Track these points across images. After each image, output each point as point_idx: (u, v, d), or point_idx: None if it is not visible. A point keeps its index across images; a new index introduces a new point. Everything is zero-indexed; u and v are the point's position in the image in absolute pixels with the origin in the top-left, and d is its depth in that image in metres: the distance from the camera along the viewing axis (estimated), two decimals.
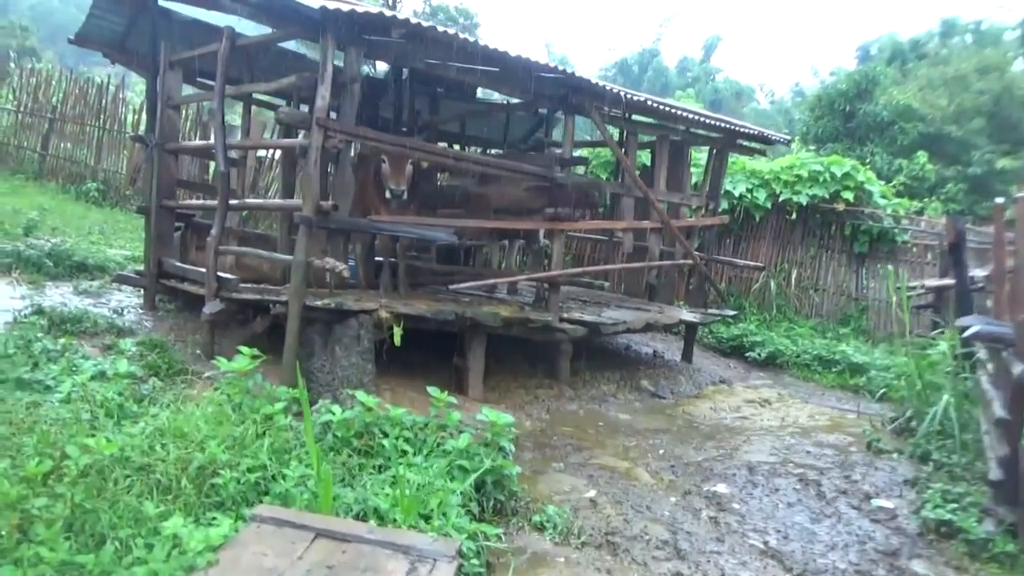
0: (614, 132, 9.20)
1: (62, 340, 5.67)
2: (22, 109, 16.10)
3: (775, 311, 12.74)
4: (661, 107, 7.86)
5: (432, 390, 4.81)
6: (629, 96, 7.36)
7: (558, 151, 11.80)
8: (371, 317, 6.05)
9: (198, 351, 6.81)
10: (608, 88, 7.21)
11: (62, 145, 16.05)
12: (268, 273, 8.40)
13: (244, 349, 4.83)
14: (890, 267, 10.99)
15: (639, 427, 6.90)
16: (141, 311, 7.85)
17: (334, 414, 4.38)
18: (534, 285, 8.91)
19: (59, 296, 7.88)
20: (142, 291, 8.23)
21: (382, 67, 13.62)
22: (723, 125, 9.05)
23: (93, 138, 15.85)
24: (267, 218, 13.44)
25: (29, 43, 43.77)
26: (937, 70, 29.27)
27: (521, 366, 8.22)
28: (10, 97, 16.44)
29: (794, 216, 13.27)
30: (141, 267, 9.88)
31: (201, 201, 8.18)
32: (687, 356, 9.99)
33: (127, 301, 8.23)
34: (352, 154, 6.69)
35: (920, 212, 14.58)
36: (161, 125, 7.72)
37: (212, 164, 14.57)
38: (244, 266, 8.43)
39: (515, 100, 11.71)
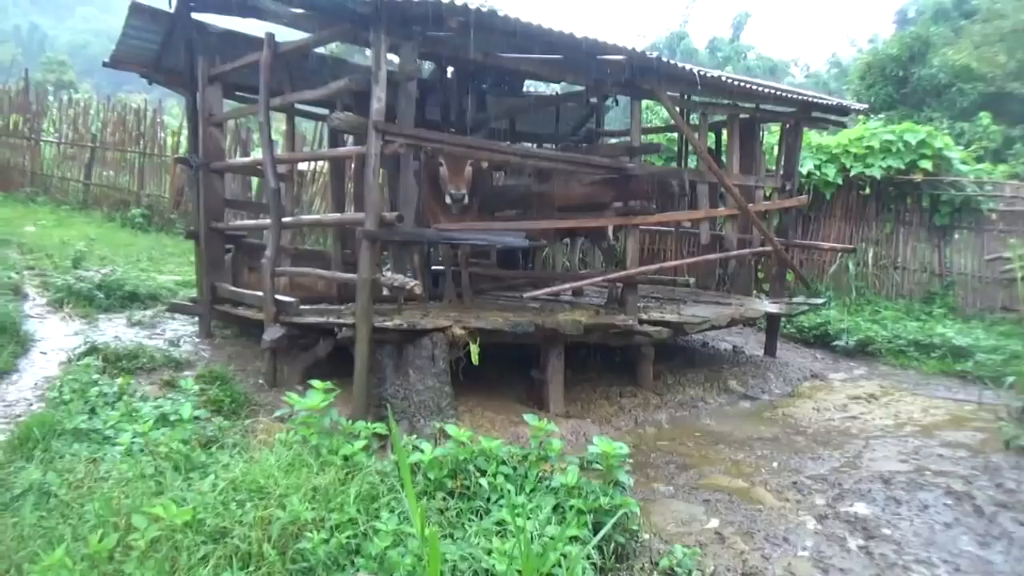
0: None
1: (119, 380, 5.28)
2: (63, 140, 16.04)
3: (854, 294, 11.91)
4: (737, 84, 7.19)
5: (529, 417, 4.26)
6: (703, 74, 6.72)
7: (613, 140, 11.29)
8: (445, 335, 5.54)
9: (260, 380, 6.40)
10: (682, 67, 6.58)
11: (104, 173, 15.96)
12: (323, 291, 7.99)
13: (317, 383, 4.35)
14: (1013, 240, 10.08)
15: (741, 436, 6.28)
16: (197, 340, 7.49)
17: (423, 452, 3.86)
18: (604, 285, 8.33)
19: (113, 329, 7.55)
20: (197, 319, 7.87)
21: (425, 66, 13.20)
22: (798, 98, 8.34)
23: (134, 164, 15.71)
24: (311, 233, 13.10)
25: (67, 77, 44.67)
26: (993, 25, 27.70)
27: (598, 374, 7.65)
28: (51, 129, 16.40)
29: (867, 191, 12.42)
30: (194, 293, 9.63)
31: (253, 221, 7.78)
32: (770, 350, 9.30)
33: (182, 330, 7.88)
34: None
35: (1017, 176, 13.53)
36: (204, 144, 7.34)
37: (256, 181, 14.32)
38: (299, 285, 8.01)
39: (565, 91, 11.22)
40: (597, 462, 3.98)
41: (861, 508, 4.52)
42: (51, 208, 15.01)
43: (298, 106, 7.79)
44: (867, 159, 12.32)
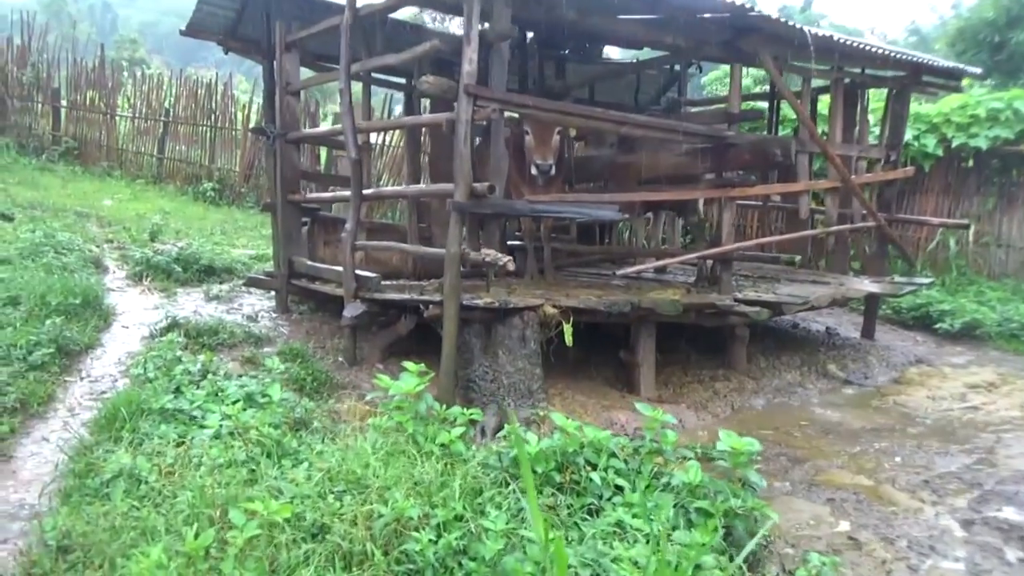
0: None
1: (202, 358, 5.12)
2: (137, 115, 16.21)
3: (954, 273, 11.12)
4: (850, 44, 6.59)
5: (641, 407, 3.91)
6: (813, 34, 6.15)
7: (695, 109, 10.71)
8: (536, 314, 5.21)
9: (340, 358, 6.19)
10: (791, 25, 6.03)
11: (177, 147, 16.09)
12: (399, 266, 7.75)
13: (410, 365, 4.07)
14: None
15: (852, 426, 5.80)
16: (274, 315, 7.34)
17: (529, 444, 3.54)
18: (693, 262, 7.86)
19: (191, 304, 7.47)
20: (274, 293, 7.73)
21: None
22: (909, 60, 7.66)
23: (206, 138, 15.78)
24: (380, 206, 12.90)
25: (138, 54, 45.68)
26: None
27: (687, 355, 7.22)
28: (125, 104, 16.59)
29: (970, 163, 11.53)
30: (269, 267, 9.53)
31: (331, 193, 7.56)
32: (868, 332, 8.70)
33: (259, 305, 7.76)
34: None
35: None
36: (281, 113, 7.13)
37: (324, 153, 14.21)
38: (373, 259, 7.79)
39: (645, 57, 10.67)
40: (720, 458, 3.59)
41: (1011, 513, 4.04)
42: (126, 182, 15.21)
43: (374, 75, 7.53)
44: (971, 128, 11.40)
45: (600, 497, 3.47)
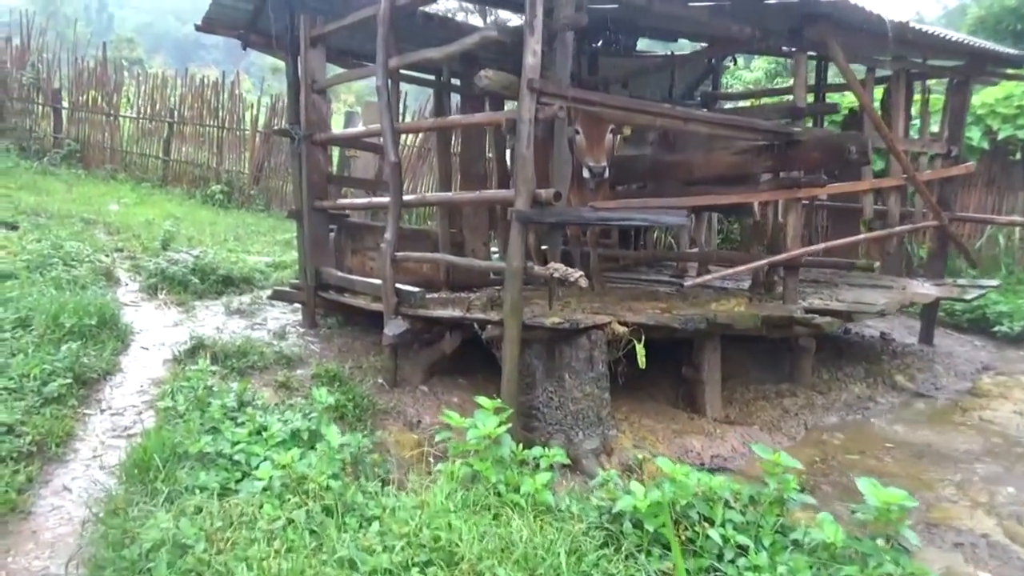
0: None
1: (235, 386, 4.61)
2: (141, 116, 15.68)
3: (1003, 271, 10.61)
4: (924, 32, 6.09)
5: (758, 448, 3.39)
6: (891, 20, 5.64)
7: (727, 104, 10.21)
8: (604, 333, 4.71)
9: (380, 379, 5.68)
10: (866, 11, 5.52)
11: (183, 148, 15.56)
12: (429, 275, 7.24)
13: (484, 401, 3.57)
14: None
15: (942, 448, 5.31)
16: (302, 330, 6.83)
17: (635, 496, 3.03)
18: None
19: (211, 319, 6.96)
20: (298, 306, 7.22)
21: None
22: (975, 47, 7.15)
23: (213, 139, 15.25)
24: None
25: (135, 54, 45.09)
26: None
27: (746, 369, 6.73)
28: (127, 105, 16.05)
29: (1018, 156, 11.03)
30: (288, 276, 9.02)
31: (365, 199, 7.04)
32: (926, 338, 8.22)
33: (283, 319, 7.25)
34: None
35: None
36: (306, 113, 6.61)
37: (336, 155, 13.68)
38: (403, 268, 7.31)
39: (681, 51, 10.17)
40: (862, 512, 3.08)
41: None
42: (131, 185, 14.67)
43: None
44: (1017, 120, 10.91)
45: (719, 558, 2.97)
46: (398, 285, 5.58)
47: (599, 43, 8.80)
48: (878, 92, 8.79)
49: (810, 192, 6.04)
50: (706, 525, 3.04)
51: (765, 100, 10.63)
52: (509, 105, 6.54)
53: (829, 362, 7.12)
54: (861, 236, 6.92)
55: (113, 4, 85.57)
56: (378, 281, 5.89)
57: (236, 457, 3.60)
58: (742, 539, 3.01)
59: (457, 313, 5.09)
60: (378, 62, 5.44)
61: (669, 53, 9.92)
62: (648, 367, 6.09)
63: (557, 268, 4.25)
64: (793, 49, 6.54)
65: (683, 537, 3.03)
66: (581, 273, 4.21)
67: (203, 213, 13.38)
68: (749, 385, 6.42)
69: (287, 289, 7.15)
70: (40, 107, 15.50)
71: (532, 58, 4.28)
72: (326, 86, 6.69)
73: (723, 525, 3.06)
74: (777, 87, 11.36)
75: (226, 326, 6.67)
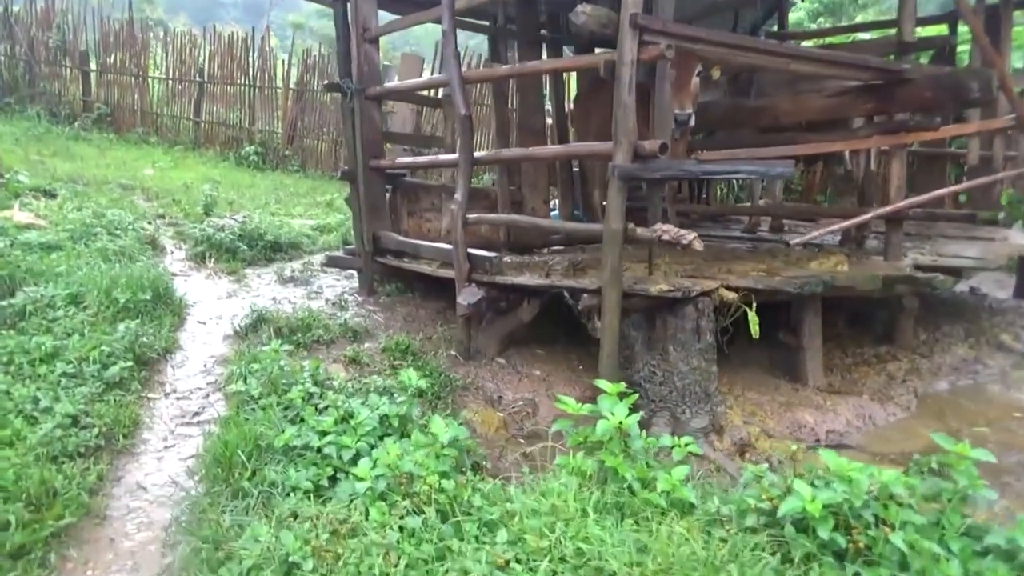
0: None
1: (307, 364, 4.23)
2: (171, 77, 15.21)
3: None
4: None
5: (939, 438, 2.91)
6: None
7: (797, 43, 9.49)
8: (711, 300, 4.24)
9: (453, 351, 5.29)
10: None
11: (214, 109, 15.11)
12: (488, 235, 6.80)
13: (607, 384, 3.13)
14: None
15: None
16: (360, 299, 6.43)
17: (803, 499, 2.60)
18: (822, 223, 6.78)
19: (265, 288, 6.60)
20: (354, 273, 6.82)
21: None
22: None
23: (244, 98, 14.77)
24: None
25: (157, 14, 44.39)
26: None
27: (839, 332, 6.23)
28: (155, 66, 15.58)
29: None
30: (334, 240, 8.64)
31: (426, 157, 6.57)
32: (1021, 291, 7.62)
33: (338, 286, 6.86)
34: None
35: None
36: (358, 65, 6.11)
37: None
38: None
39: None
40: None
41: None
42: (164, 148, 14.31)
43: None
44: None
45: (903, 567, 2.54)
46: (471, 250, 5.14)
47: None
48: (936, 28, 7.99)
49: (919, 136, 5.45)
50: (885, 529, 2.61)
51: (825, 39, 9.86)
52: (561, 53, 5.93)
53: (924, 321, 6.59)
54: (975, 182, 6.27)
55: None
56: (447, 246, 5.46)
57: (326, 450, 3.23)
58: (928, 544, 2.58)
59: (543, 280, 4.65)
60: (444, 4, 4.91)
61: None
62: (736, 332, 5.66)
63: (667, 230, 3.77)
64: None
65: (857, 544, 2.60)
66: (695, 235, 3.73)
67: (239, 175, 13.00)
68: (846, 349, 5.93)
69: (342, 255, 6.75)
70: (68, 70, 15.10)
71: None
72: (379, 34, 6.16)
73: (902, 527, 2.63)
74: (857, 23, 10.56)
75: (282, 296, 6.30)
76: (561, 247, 7.22)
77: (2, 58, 14.74)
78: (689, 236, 3.70)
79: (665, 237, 3.77)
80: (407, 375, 3.85)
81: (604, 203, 7.43)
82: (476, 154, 5.16)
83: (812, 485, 2.73)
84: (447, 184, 7.29)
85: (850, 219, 5.61)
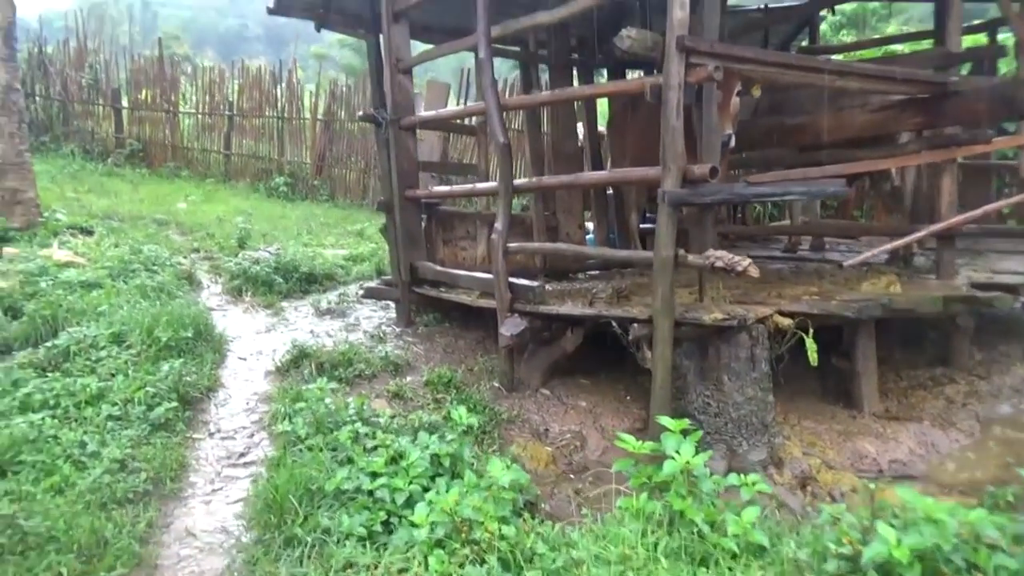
0: None
1: (352, 401, 4.16)
2: (201, 111, 15.43)
3: None
4: None
5: None
6: None
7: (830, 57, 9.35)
8: (766, 326, 4.10)
9: (495, 383, 5.19)
10: None
11: (244, 141, 15.28)
12: (523, 262, 6.72)
13: (668, 421, 3.01)
14: None
15: None
16: (399, 330, 6.37)
17: (888, 544, 2.44)
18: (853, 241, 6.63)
19: (303, 321, 6.57)
20: (392, 304, 6.77)
21: None
22: None
23: (273, 130, 14.93)
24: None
25: (182, 51, 45.43)
26: None
27: (891, 353, 6.03)
28: (184, 100, 15.82)
29: None
30: (367, 269, 8.61)
31: (467, 186, 6.52)
32: None
33: (375, 317, 6.81)
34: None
35: None
36: (392, 95, 6.09)
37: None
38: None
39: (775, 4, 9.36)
40: None
41: None
42: (195, 182, 14.47)
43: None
44: None
45: None
46: (512, 279, 5.06)
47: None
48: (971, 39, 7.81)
49: (972, 150, 5.29)
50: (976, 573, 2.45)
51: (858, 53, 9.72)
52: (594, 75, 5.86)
53: (979, 340, 6.35)
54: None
55: (155, 2, 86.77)
56: (486, 275, 5.40)
57: (378, 494, 3.14)
58: None
59: (589, 310, 4.54)
60: (479, 32, 4.88)
61: (763, 7, 9.16)
62: (787, 355, 5.48)
63: (720, 256, 3.65)
64: None
65: None
66: (750, 261, 3.61)
67: (270, 206, 13.08)
68: (899, 371, 5.73)
69: (380, 287, 6.71)
70: (101, 108, 15.38)
71: (680, 11, 3.67)
72: (412, 64, 6.15)
73: (996, 574, 2.46)
74: (891, 36, 10.39)
75: (320, 329, 6.26)
76: (597, 271, 7.14)
77: (37, 98, 15.04)
78: (744, 262, 3.58)
79: (719, 264, 3.65)
80: (457, 413, 3.76)
81: (641, 226, 7.43)
82: (516, 182, 5.09)
83: (892, 526, 2.59)
84: (482, 212, 7.22)
85: (902, 237, 5.45)
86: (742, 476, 2.95)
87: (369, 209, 13.64)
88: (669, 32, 3.69)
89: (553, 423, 4.80)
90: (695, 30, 4.07)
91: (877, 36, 11.35)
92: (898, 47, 10.36)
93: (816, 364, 4.14)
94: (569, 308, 4.69)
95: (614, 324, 4.30)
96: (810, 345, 4.01)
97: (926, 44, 10.92)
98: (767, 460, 4.04)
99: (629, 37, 3.79)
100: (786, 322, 4.08)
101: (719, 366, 4.08)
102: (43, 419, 3.73)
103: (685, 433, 2.96)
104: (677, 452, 2.81)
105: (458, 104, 13.64)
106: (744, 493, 2.89)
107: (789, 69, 4.28)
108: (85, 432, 3.73)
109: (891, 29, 13.24)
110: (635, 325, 4.11)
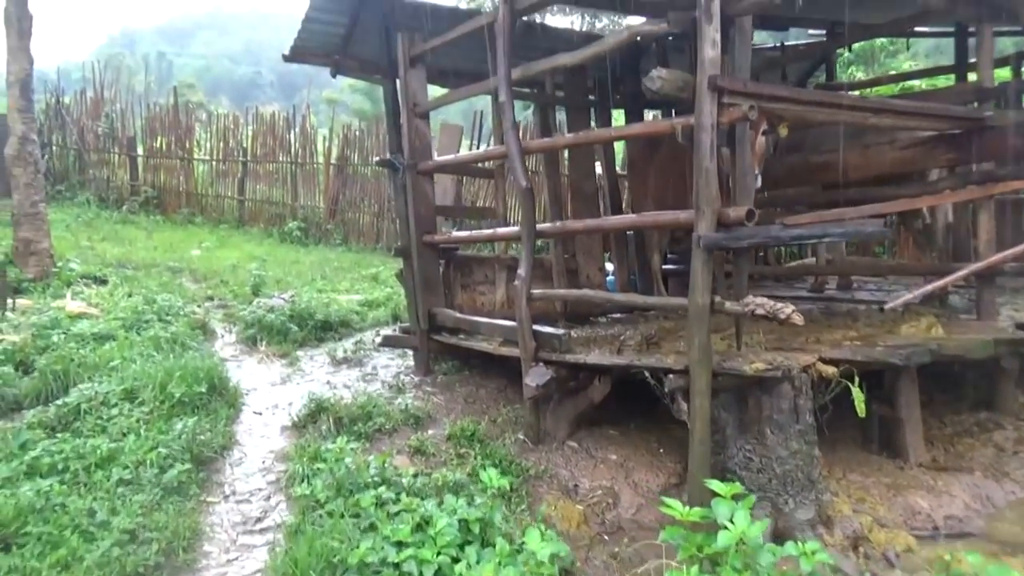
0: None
1: (372, 460, 3.96)
2: (215, 158, 15.50)
3: None
4: None
5: None
6: None
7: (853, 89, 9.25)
8: (809, 375, 3.89)
9: (520, 435, 4.97)
10: None
11: (257, 187, 15.31)
12: (543, 308, 6.53)
13: (718, 486, 2.80)
14: None
15: None
16: (416, 379, 6.19)
17: None
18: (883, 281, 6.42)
19: (319, 371, 6.41)
20: (409, 351, 6.59)
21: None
22: None
23: (287, 175, 14.96)
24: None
25: (196, 99, 46.19)
26: None
27: (931, 397, 5.77)
28: (198, 147, 15.92)
29: None
30: (383, 315, 8.47)
31: (489, 230, 6.39)
32: None
33: (393, 365, 6.64)
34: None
35: None
36: (409, 140, 6.00)
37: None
38: (513, 302, 6.67)
39: (790, 41, 9.31)
40: None
41: None
42: (209, 228, 14.48)
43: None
44: None
45: None
46: (536, 327, 4.88)
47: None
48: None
49: (1011, 186, 5.11)
50: None
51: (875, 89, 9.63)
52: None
53: (1022, 382, 6.10)
54: None
55: (173, 51, 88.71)
56: (508, 323, 5.22)
57: (405, 567, 2.92)
58: None
59: (620, 360, 4.34)
60: (499, 76, 4.78)
61: (780, 44, 9.10)
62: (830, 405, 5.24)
63: (761, 303, 3.46)
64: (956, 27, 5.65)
65: None
66: (793, 308, 3.41)
67: (283, 251, 13.02)
68: (942, 417, 5.47)
69: (398, 335, 6.54)
70: (116, 156, 15.48)
71: (711, 50, 3.55)
72: (430, 108, 6.07)
73: None
74: (909, 71, 10.27)
75: (337, 380, 6.08)
76: (620, 314, 6.94)
77: (54, 148, 15.17)
78: (787, 310, 3.39)
79: (760, 311, 3.46)
80: (487, 475, 3.54)
81: (664, 267, 7.25)
82: (540, 226, 4.94)
83: None
84: (500, 256, 7.07)
85: (938, 276, 5.24)
86: (800, 544, 2.71)
87: (383, 253, 13.57)
88: (700, 71, 3.57)
89: (583, 478, 4.56)
90: (724, 69, 3.95)
91: (893, 72, 11.25)
92: (915, 83, 10.25)
93: (847, 408, 3.93)
94: (597, 357, 4.49)
95: (647, 375, 4.09)
96: (857, 396, 3.79)
97: (942, 79, 10.87)
98: (815, 519, 3.79)
99: (660, 78, 3.66)
100: (830, 370, 3.87)
101: (760, 418, 3.86)
102: (51, 486, 3.54)
103: (737, 498, 2.74)
104: (730, 520, 2.59)
105: (471, 146, 13.64)
106: (804, 564, 2.65)
107: (823, 107, 4.13)
108: (94, 499, 3.55)
109: (906, 65, 13.16)
110: (670, 376, 3.90)
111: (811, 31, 9.40)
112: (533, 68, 4.88)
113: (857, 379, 3.87)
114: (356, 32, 6.37)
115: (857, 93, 9.52)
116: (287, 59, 6.54)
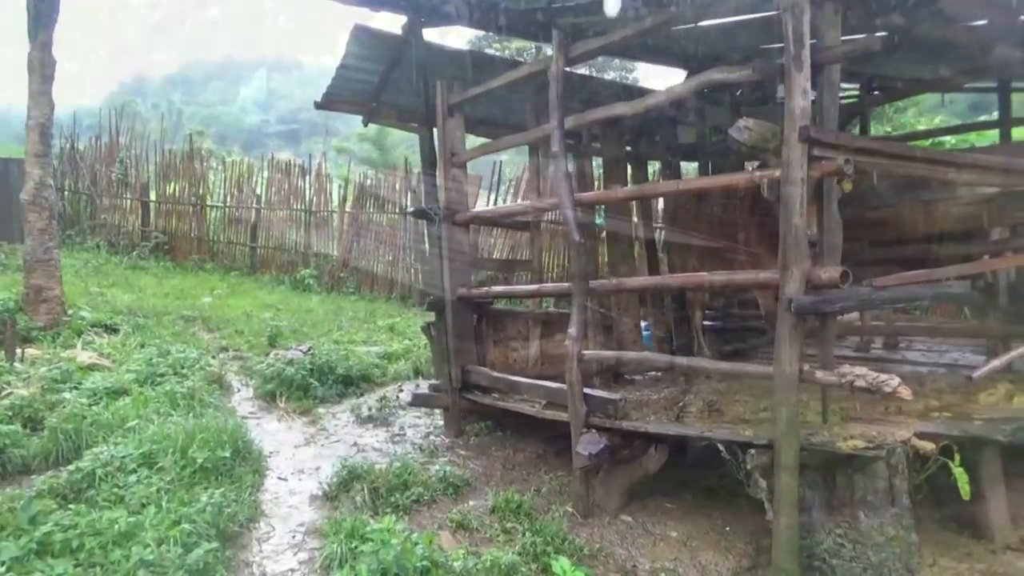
0: None
1: (417, 539, 3.57)
2: (228, 204, 15.32)
3: None
4: None
5: None
6: None
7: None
8: (904, 451, 3.53)
9: (568, 507, 4.57)
10: None
11: (270, 234, 15.09)
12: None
13: None
14: None
15: None
16: (447, 440, 5.83)
17: None
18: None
19: (343, 430, 6.05)
20: (441, 412, 6.22)
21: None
22: None
23: (300, 222, 14.75)
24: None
25: (207, 145, 46.48)
26: None
27: (1006, 470, 5.38)
28: (210, 193, 15.75)
29: None
30: (403, 368, 8.12)
31: (534, 286, 6.08)
32: None
33: (421, 424, 6.28)
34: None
35: None
36: (446, 190, 5.75)
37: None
38: (549, 358, 6.36)
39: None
40: None
41: None
42: (220, 275, 14.22)
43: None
44: None
45: None
46: (587, 390, 4.53)
47: (739, 92, 7.85)
48: None
49: None
50: None
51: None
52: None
53: None
54: None
55: (183, 100, 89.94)
56: (553, 384, 4.88)
57: None
58: None
59: (688, 430, 3.99)
60: (553, 125, 4.54)
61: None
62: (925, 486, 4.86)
63: (861, 375, 3.13)
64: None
65: None
66: (900, 380, 3.08)
67: (297, 299, 12.71)
68: (1009, 483, 5.07)
69: (427, 393, 6.17)
70: (128, 201, 15.31)
71: (802, 100, 3.29)
72: (469, 158, 5.83)
73: None
74: (953, 125, 10.09)
75: (364, 441, 5.72)
76: (658, 372, 6.60)
77: (66, 192, 15.00)
78: (893, 382, 3.05)
79: (860, 383, 3.12)
80: (560, 567, 3.15)
81: (704, 323, 6.93)
82: (595, 283, 4.64)
83: None
84: (534, 311, 6.76)
85: (1003, 338, 4.92)
86: None
87: (397, 302, 13.28)
88: (788, 122, 3.31)
89: (641, 558, 4.15)
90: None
91: (929, 127, 11.11)
92: (948, 139, 10.06)
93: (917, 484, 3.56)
94: (658, 426, 4.15)
95: (721, 448, 3.73)
96: (961, 476, 3.43)
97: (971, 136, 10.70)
98: None
99: (747, 128, 3.40)
100: (929, 447, 3.51)
101: (852, 500, 3.49)
102: (64, 570, 3.15)
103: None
104: None
105: (488, 196, 13.46)
106: None
107: (913, 162, 3.86)
108: None
109: (937, 120, 13.04)
110: (752, 451, 3.54)
111: (844, 84, 9.27)
112: (585, 118, 4.65)
113: (957, 457, 3.51)
114: (391, 79, 6.20)
115: None
116: (319, 106, 6.33)
